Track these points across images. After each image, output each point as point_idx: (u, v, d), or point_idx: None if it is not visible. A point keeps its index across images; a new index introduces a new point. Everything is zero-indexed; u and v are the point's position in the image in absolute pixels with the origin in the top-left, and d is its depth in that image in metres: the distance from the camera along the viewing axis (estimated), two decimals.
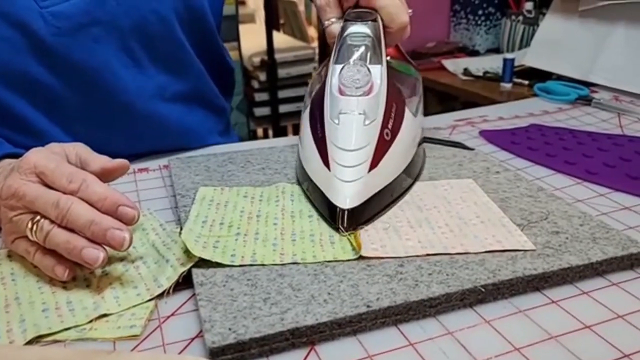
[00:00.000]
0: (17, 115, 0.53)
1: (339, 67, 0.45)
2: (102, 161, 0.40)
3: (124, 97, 0.56)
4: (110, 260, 0.38)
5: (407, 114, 0.47)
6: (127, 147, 0.57)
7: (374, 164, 0.41)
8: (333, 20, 0.50)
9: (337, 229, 0.39)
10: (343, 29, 0.47)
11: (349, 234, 0.39)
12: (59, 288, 0.35)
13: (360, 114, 0.42)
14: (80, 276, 0.36)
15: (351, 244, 0.38)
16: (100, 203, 0.35)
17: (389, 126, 0.43)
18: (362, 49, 0.45)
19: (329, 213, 0.40)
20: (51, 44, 0.50)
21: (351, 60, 0.44)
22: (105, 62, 0.54)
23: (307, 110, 0.49)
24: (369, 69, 0.43)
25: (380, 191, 0.41)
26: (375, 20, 0.47)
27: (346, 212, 0.39)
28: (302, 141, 0.48)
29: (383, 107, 0.43)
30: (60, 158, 0.38)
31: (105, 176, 0.39)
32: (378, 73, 0.44)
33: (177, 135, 0.62)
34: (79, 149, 0.40)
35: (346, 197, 0.39)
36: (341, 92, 0.43)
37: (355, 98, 0.43)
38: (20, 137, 0.53)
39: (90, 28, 0.52)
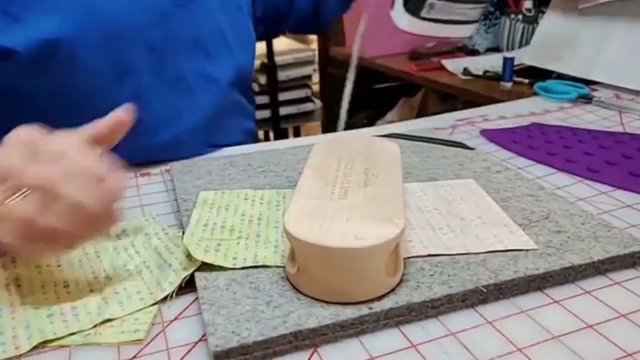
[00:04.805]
0: (24, 98, 0.53)
1: None
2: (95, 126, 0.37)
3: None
4: (113, 265, 0.38)
5: None
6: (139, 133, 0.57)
7: None
8: None
9: None
10: None
11: None
12: (63, 293, 0.35)
13: None
14: (83, 281, 0.37)
15: None
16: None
17: None
18: None
19: None
20: None
21: None
22: None
23: None
24: None
25: None
26: None
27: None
28: None
29: None
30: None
31: (106, 138, 0.37)
32: None
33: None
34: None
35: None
36: None
37: None
38: (26, 119, 0.53)
39: None
